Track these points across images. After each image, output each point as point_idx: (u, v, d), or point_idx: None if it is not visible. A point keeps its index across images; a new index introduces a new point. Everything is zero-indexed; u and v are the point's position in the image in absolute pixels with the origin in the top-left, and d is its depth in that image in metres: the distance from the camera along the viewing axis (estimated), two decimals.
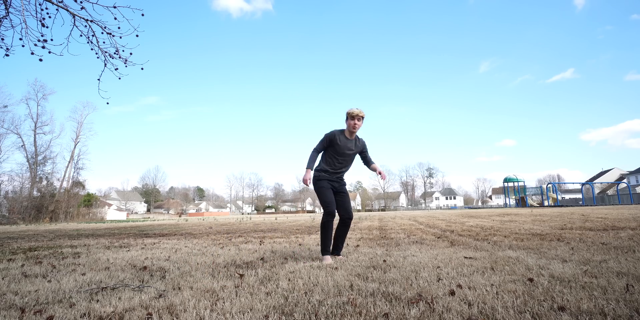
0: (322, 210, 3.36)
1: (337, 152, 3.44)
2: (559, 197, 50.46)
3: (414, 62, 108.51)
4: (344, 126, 3.50)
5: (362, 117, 3.38)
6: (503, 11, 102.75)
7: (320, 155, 3.55)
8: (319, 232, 3.42)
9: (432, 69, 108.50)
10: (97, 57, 5.19)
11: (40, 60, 4.55)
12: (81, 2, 4.74)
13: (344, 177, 3.62)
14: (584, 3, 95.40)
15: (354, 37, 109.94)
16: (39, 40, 4.54)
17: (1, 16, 4.47)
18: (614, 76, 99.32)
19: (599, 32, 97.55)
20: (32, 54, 4.51)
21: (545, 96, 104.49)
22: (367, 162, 3.70)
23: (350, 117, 3.36)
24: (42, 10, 4.59)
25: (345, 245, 4.73)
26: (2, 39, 4.62)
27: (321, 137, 3.48)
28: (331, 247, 3.46)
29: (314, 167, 3.53)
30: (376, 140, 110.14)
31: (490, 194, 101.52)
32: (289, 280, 2.51)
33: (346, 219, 3.48)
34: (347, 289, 2.20)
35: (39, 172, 38.61)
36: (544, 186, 47.82)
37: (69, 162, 40.76)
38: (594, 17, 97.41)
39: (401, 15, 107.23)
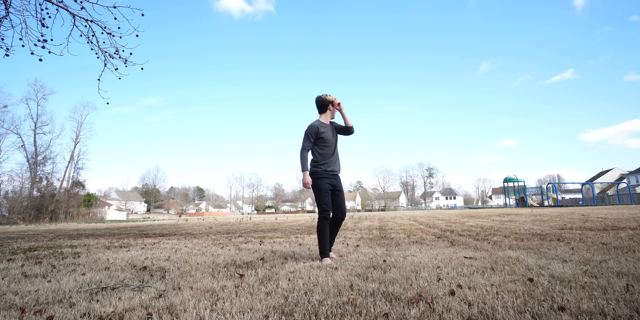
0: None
1: (324, 141, 3.48)
2: (559, 197, 50.47)
3: (414, 63, 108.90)
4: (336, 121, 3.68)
5: None
6: (504, 12, 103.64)
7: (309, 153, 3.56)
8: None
9: (433, 70, 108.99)
10: (97, 57, 5.19)
11: (40, 60, 4.55)
12: (81, 2, 4.74)
13: (340, 169, 3.59)
14: (584, 4, 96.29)
15: (354, 37, 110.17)
16: (39, 40, 4.54)
17: (1, 16, 4.47)
18: (614, 77, 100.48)
19: (599, 33, 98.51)
20: (32, 54, 4.51)
21: (545, 96, 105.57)
22: (345, 127, 3.64)
23: (335, 103, 3.57)
24: (42, 10, 4.59)
25: (345, 245, 4.73)
26: (2, 39, 4.62)
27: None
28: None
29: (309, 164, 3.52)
30: (376, 140, 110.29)
31: (490, 194, 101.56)
32: (289, 280, 2.51)
33: (340, 218, 3.52)
34: (347, 289, 2.20)
35: (39, 172, 38.62)
36: (544, 186, 47.81)
37: (69, 162, 40.78)
38: (594, 18, 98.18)
39: (402, 15, 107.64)
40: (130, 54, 5.23)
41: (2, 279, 2.87)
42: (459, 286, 2.15)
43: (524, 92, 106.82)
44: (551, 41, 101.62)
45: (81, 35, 4.98)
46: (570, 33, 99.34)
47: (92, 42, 5.08)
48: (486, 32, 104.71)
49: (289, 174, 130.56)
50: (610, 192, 59.28)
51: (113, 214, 51.56)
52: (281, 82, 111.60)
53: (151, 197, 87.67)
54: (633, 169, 63.88)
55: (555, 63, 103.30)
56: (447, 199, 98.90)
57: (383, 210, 75.32)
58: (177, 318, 1.73)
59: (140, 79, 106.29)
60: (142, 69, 5.34)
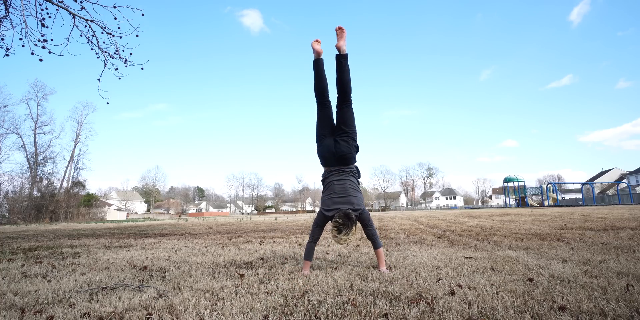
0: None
1: None
2: (559, 197, 50.46)
3: (416, 64, 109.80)
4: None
5: None
6: (506, 26, 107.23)
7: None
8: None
9: (435, 71, 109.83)
10: (97, 57, 5.19)
11: (40, 60, 4.54)
12: (81, 2, 4.74)
13: None
14: (580, 20, 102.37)
15: (356, 38, 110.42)
16: (39, 40, 4.54)
17: (1, 16, 4.47)
18: (607, 84, 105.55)
19: (592, 45, 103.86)
20: (32, 54, 4.50)
21: (545, 100, 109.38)
22: None
23: None
24: (42, 10, 4.59)
25: (345, 245, 4.73)
26: (2, 39, 4.62)
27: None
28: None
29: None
30: (376, 140, 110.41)
31: (490, 194, 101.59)
32: (289, 280, 2.51)
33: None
34: (347, 289, 2.20)
35: (39, 172, 38.65)
36: (544, 186, 47.82)
37: (69, 162, 40.82)
38: (588, 33, 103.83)
39: (408, 16, 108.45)
40: (131, 54, 5.23)
41: (2, 279, 2.87)
42: (459, 286, 2.15)
43: (525, 96, 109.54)
44: (549, 52, 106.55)
45: (81, 35, 4.98)
46: (568, 44, 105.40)
47: (92, 42, 5.08)
48: (489, 42, 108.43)
49: (289, 174, 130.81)
50: (610, 192, 59.27)
51: (113, 214, 51.55)
52: (282, 83, 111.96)
53: (151, 197, 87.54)
54: (633, 169, 63.95)
55: (554, 70, 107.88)
56: (447, 199, 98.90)
57: (383, 210, 75.27)
58: (177, 318, 1.73)
59: (148, 86, 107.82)
60: (142, 69, 5.34)
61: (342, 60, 3.06)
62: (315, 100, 3.19)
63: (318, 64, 3.15)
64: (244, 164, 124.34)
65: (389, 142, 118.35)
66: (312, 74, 3.18)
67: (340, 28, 3.11)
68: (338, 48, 3.09)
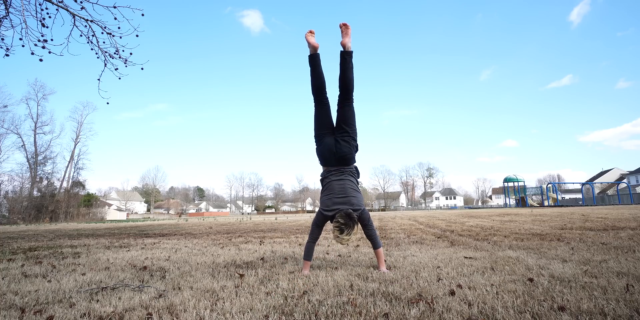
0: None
1: None
2: (559, 197, 50.46)
3: (416, 64, 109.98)
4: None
5: None
6: (506, 26, 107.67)
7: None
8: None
9: (435, 71, 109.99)
10: (97, 57, 5.19)
11: (41, 60, 4.54)
12: (81, 2, 4.74)
13: None
14: (580, 21, 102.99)
15: (356, 38, 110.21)
16: (39, 40, 4.54)
17: (1, 16, 4.47)
18: (607, 84, 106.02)
19: (592, 45, 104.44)
20: (32, 54, 4.50)
21: (545, 100, 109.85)
22: None
23: None
24: (42, 10, 4.59)
25: (345, 245, 4.73)
26: (2, 39, 4.62)
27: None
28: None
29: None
30: (376, 140, 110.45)
31: (490, 194, 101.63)
32: (289, 280, 2.51)
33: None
34: (347, 289, 2.20)
35: (39, 172, 38.65)
36: (544, 186, 47.83)
37: (69, 162, 40.83)
38: (587, 33, 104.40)
39: (408, 16, 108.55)
40: (131, 54, 5.23)
41: (2, 279, 2.87)
42: (459, 286, 2.15)
43: (525, 96, 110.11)
44: (549, 52, 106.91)
45: (81, 35, 4.98)
46: (568, 45, 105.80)
47: (92, 42, 5.08)
48: (489, 42, 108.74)
49: (289, 174, 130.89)
50: (610, 192, 59.27)
51: (113, 214, 51.54)
52: (282, 83, 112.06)
53: (151, 197, 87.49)
54: (633, 169, 63.98)
55: (554, 70, 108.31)
56: (447, 199, 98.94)
57: (383, 210, 75.22)
58: (177, 318, 1.73)
59: (148, 86, 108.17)
60: (142, 69, 5.34)
61: (346, 57, 2.99)
62: (312, 98, 3.10)
63: (314, 60, 3.03)
64: (244, 164, 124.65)
65: (389, 142, 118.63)
66: (309, 70, 3.06)
67: (344, 24, 2.98)
68: (343, 45, 2.99)
